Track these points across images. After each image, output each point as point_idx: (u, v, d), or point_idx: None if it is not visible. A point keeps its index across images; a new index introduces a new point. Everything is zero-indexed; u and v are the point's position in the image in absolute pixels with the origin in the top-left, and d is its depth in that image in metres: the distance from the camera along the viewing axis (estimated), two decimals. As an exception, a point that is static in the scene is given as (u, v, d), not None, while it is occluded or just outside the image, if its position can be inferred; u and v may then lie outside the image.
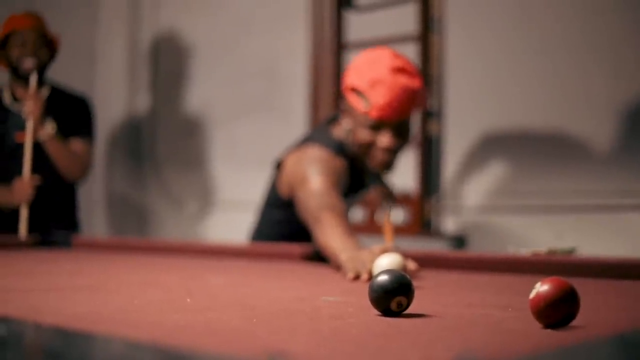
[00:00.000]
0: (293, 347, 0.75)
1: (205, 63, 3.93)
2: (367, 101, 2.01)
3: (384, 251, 1.47)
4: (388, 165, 2.12)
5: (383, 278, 0.96)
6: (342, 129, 2.15)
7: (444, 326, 0.88)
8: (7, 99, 3.09)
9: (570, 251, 1.74)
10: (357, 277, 1.46)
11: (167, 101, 4.11)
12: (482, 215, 2.96)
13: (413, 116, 2.13)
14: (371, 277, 1.38)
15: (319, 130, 2.24)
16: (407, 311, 0.97)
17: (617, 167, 2.66)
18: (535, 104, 2.86)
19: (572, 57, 2.76)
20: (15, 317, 0.91)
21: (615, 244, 2.56)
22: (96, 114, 3.32)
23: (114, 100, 4.18)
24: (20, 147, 2.96)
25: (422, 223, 3.02)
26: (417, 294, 1.00)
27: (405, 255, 1.49)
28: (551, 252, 1.70)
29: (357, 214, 3.13)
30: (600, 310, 1.04)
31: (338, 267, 1.63)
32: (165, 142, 4.10)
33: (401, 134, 2.08)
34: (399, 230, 2.84)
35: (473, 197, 2.99)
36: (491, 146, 2.97)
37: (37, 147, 2.96)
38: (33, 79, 2.96)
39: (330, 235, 1.74)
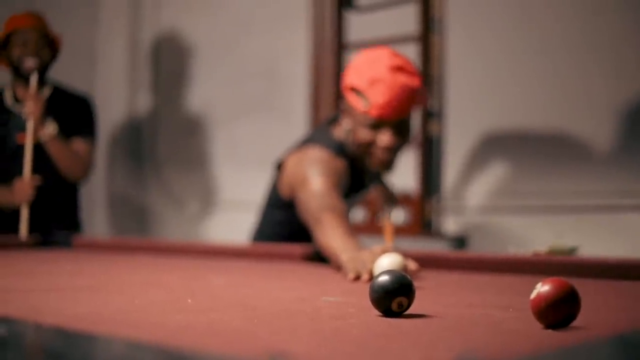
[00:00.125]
0: (294, 347, 0.75)
1: (205, 63, 3.93)
2: (367, 100, 2.01)
3: (385, 251, 1.47)
4: (388, 164, 2.12)
5: (384, 278, 0.96)
6: (342, 129, 2.15)
7: (445, 326, 0.89)
8: (8, 100, 3.09)
9: (572, 250, 1.73)
10: (357, 278, 1.46)
11: (168, 101, 4.11)
12: (483, 216, 2.96)
13: (413, 115, 2.13)
14: (372, 277, 1.38)
15: (320, 131, 2.25)
16: (408, 311, 0.97)
17: (617, 167, 2.66)
18: (535, 104, 2.86)
19: (572, 57, 2.76)
20: (15, 318, 0.91)
21: (615, 244, 2.56)
22: (98, 113, 3.32)
23: (114, 100, 4.19)
24: (21, 148, 2.95)
25: (422, 223, 3.02)
26: (418, 295, 1.01)
27: (406, 256, 1.49)
28: (552, 251, 1.69)
29: (358, 214, 3.13)
30: (600, 310, 1.04)
31: (339, 268, 1.63)
32: (166, 142, 4.10)
33: (401, 132, 2.08)
34: (400, 231, 2.84)
35: (474, 198, 2.99)
36: (491, 146, 2.97)
37: (39, 147, 2.96)
38: (33, 79, 2.96)
39: (331, 235, 1.74)
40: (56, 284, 1.39)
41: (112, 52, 4.24)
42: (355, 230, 1.90)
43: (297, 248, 1.99)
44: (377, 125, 2.04)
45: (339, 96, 2.80)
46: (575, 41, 2.76)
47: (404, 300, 0.95)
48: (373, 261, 1.41)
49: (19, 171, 2.94)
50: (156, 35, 4.14)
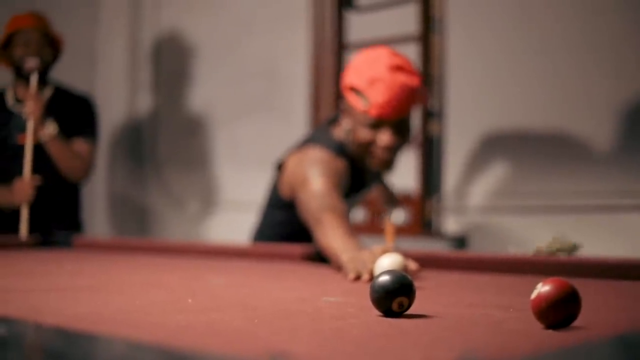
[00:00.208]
0: (294, 347, 0.75)
1: (206, 63, 3.93)
2: (366, 100, 2.01)
3: (385, 252, 1.47)
4: (388, 163, 2.12)
5: (384, 278, 0.96)
6: (342, 129, 2.15)
7: (445, 326, 0.89)
8: (10, 100, 3.09)
9: (573, 248, 1.72)
10: (358, 278, 1.46)
11: (168, 101, 4.11)
12: (483, 216, 2.96)
13: (413, 115, 2.13)
14: (372, 277, 1.38)
15: (320, 131, 2.25)
16: (408, 312, 0.97)
17: (617, 167, 2.66)
18: (535, 104, 2.86)
19: (572, 57, 2.77)
20: (15, 318, 0.91)
21: (615, 244, 2.56)
22: (100, 114, 3.32)
23: (114, 100, 4.19)
24: (22, 148, 2.95)
25: (423, 223, 3.02)
26: (418, 295, 1.01)
27: (406, 256, 1.49)
28: (553, 247, 1.68)
29: (359, 214, 3.13)
30: (600, 310, 1.04)
31: (339, 268, 1.63)
32: (166, 142, 4.10)
33: (401, 132, 2.08)
34: (400, 231, 2.84)
35: (474, 198, 2.99)
36: (492, 146, 2.97)
37: (39, 147, 2.96)
38: (33, 79, 2.96)
39: (331, 236, 1.74)
40: (56, 284, 1.39)
41: (112, 52, 4.24)
42: (355, 231, 1.90)
43: (297, 248, 1.99)
44: (376, 124, 2.04)
45: (339, 96, 2.80)
46: (575, 41, 2.77)
47: (404, 300, 0.95)
48: (373, 261, 1.41)
49: (19, 171, 2.94)
50: (156, 35, 4.14)
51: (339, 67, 3.21)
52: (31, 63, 2.97)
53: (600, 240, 2.54)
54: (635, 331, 0.86)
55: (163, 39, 4.12)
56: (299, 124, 3.41)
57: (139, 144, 4.19)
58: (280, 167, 2.24)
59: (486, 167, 2.98)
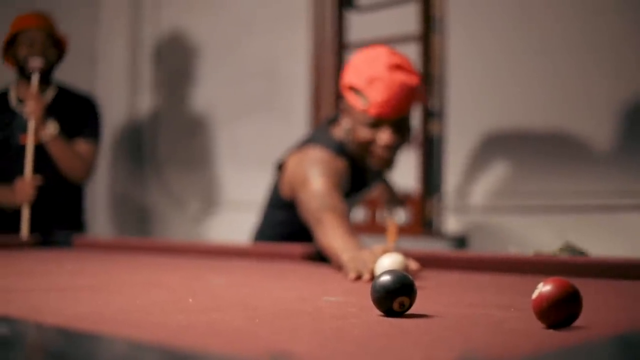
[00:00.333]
0: (295, 347, 0.75)
1: (206, 63, 3.93)
2: (366, 99, 2.02)
3: (385, 251, 1.47)
4: (388, 162, 2.12)
5: (385, 278, 0.96)
6: (342, 129, 2.15)
7: (446, 326, 0.89)
8: (13, 100, 3.09)
9: (582, 255, 1.72)
10: (358, 277, 1.47)
11: (169, 101, 4.11)
12: (484, 215, 2.96)
13: (412, 113, 2.13)
14: (373, 277, 1.38)
15: (320, 131, 2.25)
16: (409, 311, 0.97)
17: (617, 167, 2.66)
18: (535, 104, 2.86)
19: (572, 57, 2.76)
20: (16, 317, 0.91)
21: (615, 244, 2.56)
22: (102, 114, 3.32)
23: (115, 100, 4.19)
24: (24, 148, 2.95)
25: (423, 223, 3.02)
26: (419, 294, 1.01)
27: (407, 256, 1.49)
28: (562, 253, 1.68)
29: (359, 214, 3.13)
30: (600, 310, 1.04)
31: (340, 268, 1.63)
32: (167, 143, 4.10)
33: (400, 130, 2.08)
34: (400, 230, 2.84)
35: (474, 197, 2.99)
36: (492, 146, 2.97)
37: (40, 147, 2.96)
38: (35, 79, 2.96)
39: (332, 235, 1.74)
40: (57, 284, 1.39)
41: (112, 52, 4.24)
42: (356, 230, 1.90)
43: (298, 248, 1.99)
44: (376, 123, 2.04)
45: (339, 96, 2.80)
46: (575, 41, 2.76)
47: (405, 300, 0.95)
48: (374, 261, 1.42)
49: (20, 171, 2.94)
50: (157, 36, 4.14)
51: (339, 67, 3.21)
52: (35, 63, 2.97)
53: (600, 240, 2.54)
54: (636, 331, 0.86)
55: (163, 39, 4.12)
56: (299, 124, 3.42)
57: (139, 144, 4.19)
58: (280, 167, 2.24)
59: (486, 166, 2.98)
